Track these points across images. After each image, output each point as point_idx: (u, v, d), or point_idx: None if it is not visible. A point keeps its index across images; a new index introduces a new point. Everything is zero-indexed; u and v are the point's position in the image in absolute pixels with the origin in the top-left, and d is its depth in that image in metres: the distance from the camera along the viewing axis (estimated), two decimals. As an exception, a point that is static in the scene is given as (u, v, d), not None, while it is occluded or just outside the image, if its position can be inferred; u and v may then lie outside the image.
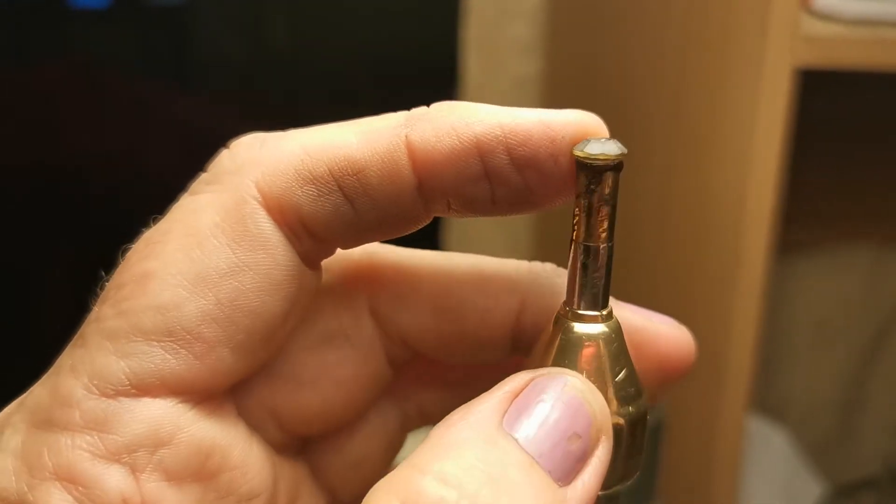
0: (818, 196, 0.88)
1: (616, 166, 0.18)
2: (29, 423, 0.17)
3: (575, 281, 0.19)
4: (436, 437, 0.17)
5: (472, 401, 0.18)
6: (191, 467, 0.18)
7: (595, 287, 0.19)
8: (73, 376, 0.17)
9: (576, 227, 0.19)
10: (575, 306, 0.19)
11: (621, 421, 0.19)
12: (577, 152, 0.18)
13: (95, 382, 0.17)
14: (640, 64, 0.68)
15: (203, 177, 0.19)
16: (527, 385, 0.18)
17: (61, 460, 0.17)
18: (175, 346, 0.17)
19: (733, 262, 0.58)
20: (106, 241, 0.71)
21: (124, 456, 0.17)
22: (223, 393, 0.19)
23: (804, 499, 0.84)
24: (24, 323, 0.74)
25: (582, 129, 0.19)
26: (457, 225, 0.85)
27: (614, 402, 0.19)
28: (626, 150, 0.18)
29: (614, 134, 0.68)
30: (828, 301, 0.96)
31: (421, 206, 0.19)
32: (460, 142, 0.18)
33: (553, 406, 0.17)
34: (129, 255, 0.18)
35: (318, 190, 0.18)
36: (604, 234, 0.19)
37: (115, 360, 0.17)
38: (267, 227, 0.18)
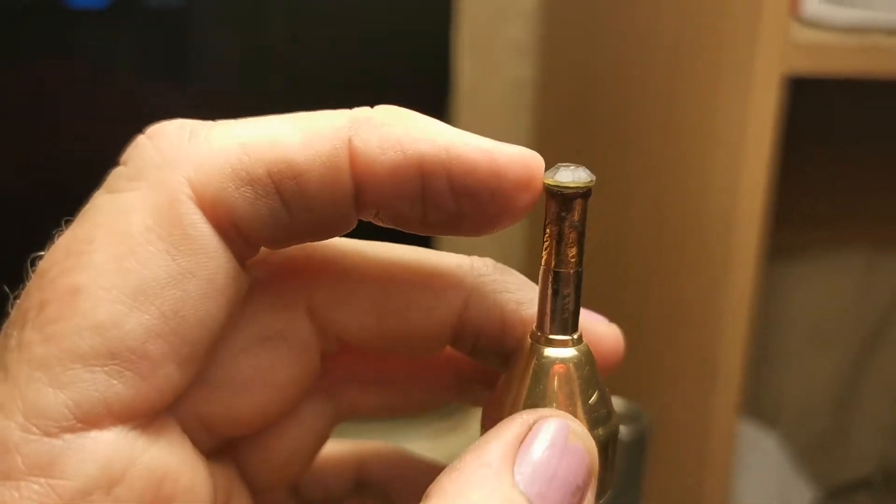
0: (811, 200, 0.88)
1: (585, 194, 0.19)
2: None
3: (546, 306, 0.19)
4: (452, 492, 0.17)
5: (479, 446, 0.17)
6: (147, 497, 0.16)
7: (565, 312, 0.19)
8: (4, 415, 0.15)
9: (546, 254, 0.19)
10: (546, 331, 0.19)
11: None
12: (548, 180, 0.18)
13: (34, 421, 0.15)
14: (632, 68, 0.68)
15: (121, 171, 0.17)
16: (531, 430, 0.17)
17: None
18: (119, 368, 0.16)
19: (724, 267, 0.58)
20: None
21: (78, 502, 0.15)
22: (166, 411, 0.18)
23: (796, 503, 0.84)
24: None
25: (528, 167, 0.18)
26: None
27: (585, 425, 0.19)
28: (594, 178, 0.19)
29: (607, 140, 0.69)
30: (821, 304, 0.96)
31: (352, 213, 0.18)
32: (405, 158, 0.17)
33: (560, 459, 0.17)
34: (43, 267, 0.16)
35: (255, 192, 0.17)
36: (574, 260, 0.19)
37: (53, 392, 0.15)
38: (205, 229, 0.16)
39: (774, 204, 0.58)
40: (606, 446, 0.19)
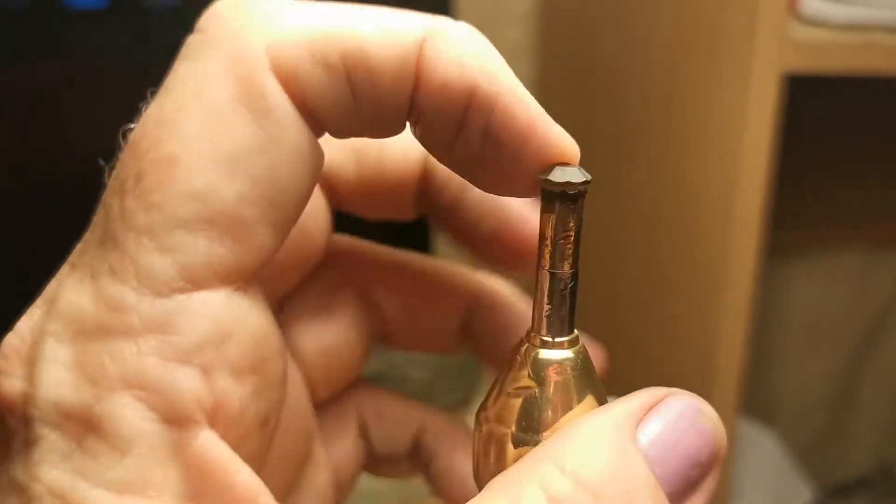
0: (807, 199, 0.89)
1: (581, 193, 0.18)
2: (76, 333, 0.16)
3: (542, 307, 0.19)
4: (573, 431, 0.17)
5: (610, 404, 0.18)
6: (248, 359, 0.17)
7: (561, 313, 0.19)
8: (118, 280, 0.16)
9: (541, 254, 0.19)
10: (542, 333, 0.19)
11: None
12: (544, 179, 0.18)
13: (146, 283, 0.16)
14: (630, 68, 0.68)
15: (198, 38, 0.18)
16: (662, 400, 0.18)
17: (128, 368, 0.16)
18: (218, 233, 0.16)
19: (722, 266, 0.58)
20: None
21: (193, 357, 0.16)
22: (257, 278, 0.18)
23: (794, 502, 0.85)
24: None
25: (561, 150, 0.18)
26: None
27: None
28: (590, 178, 0.18)
29: (605, 138, 0.69)
30: (818, 302, 0.96)
31: (404, 116, 0.18)
32: (460, 79, 0.17)
33: (686, 431, 0.17)
34: (136, 138, 0.17)
35: (327, 75, 0.17)
36: (569, 261, 0.19)
37: (160, 256, 0.16)
38: (284, 99, 0.17)
39: (772, 203, 0.58)
40: None
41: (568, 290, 0.19)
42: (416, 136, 0.19)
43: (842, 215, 0.94)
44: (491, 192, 0.19)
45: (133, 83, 0.76)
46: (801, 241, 0.92)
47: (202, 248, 0.16)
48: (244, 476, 0.16)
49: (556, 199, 0.18)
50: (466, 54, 0.17)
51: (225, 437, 0.17)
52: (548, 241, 0.19)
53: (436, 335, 0.25)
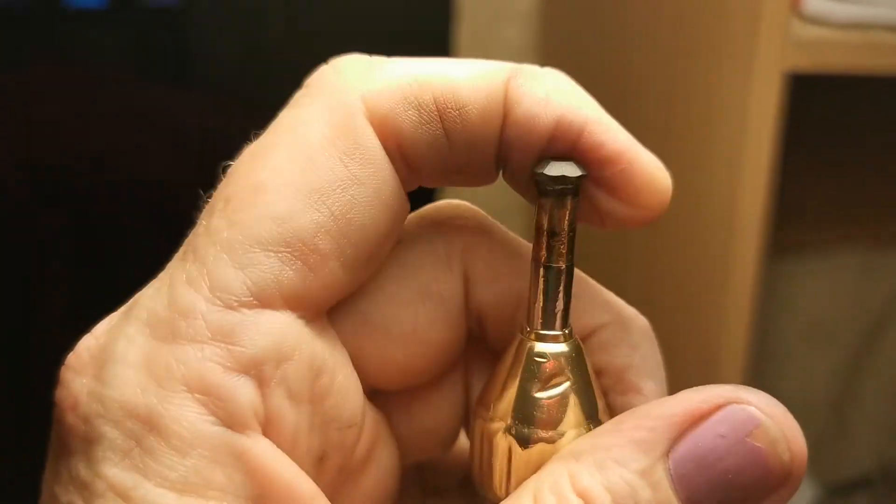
0: (809, 198, 0.89)
1: (576, 188, 0.18)
2: (148, 335, 0.17)
3: (536, 301, 0.19)
4: (602, 441, 0.17)
5: (653, 406, 0.17)
6: (306, 385, 0.18)
7: (556, 307, 0.19)
8: (192, 288, 0.17)
9: (536, 248, 0.19)
10: (537, 326, 0.19)
11: None
12: (538, 174, 0.18)
13: (217, 294, 0.17)
14: (632, 68, 0.68)
15: (303, 92, 0.19)
16: (709, 413, 0.17)
17: (192, 372, 0.16)
18: (291, 257, 0.17)
19: (725, 265, 0.58)
20: (104, 241, 0.71)
21: (251, 369, 0.17)
22: (328, 313, 0.19)
23: (796, 501, 0.85)
24: (21, 323, 0.74)
25: (653, 179, 0.19)
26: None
27: (575, 421, 0.19)
28: (585, 172, 0.18)
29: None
30: (819, 301, 0.96)
31: (495, 158, 0.19)
32: (545, 111, 0.18)
33: (729, 453, 0.17)
34: (233, 168, 0.18)
35: (420, 117, 0.18)
36: (564, 255, 0.19)
37: (234, 271, 0.17)
38: (374, 143, 0.18)
39: (774, 202, 0.58)
40: None
41: (563, 284, 0.19)
42: (506, 179, 0.19)
43: (843, 214, 0.94)
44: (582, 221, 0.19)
45: (133, 83, 0.76)
46: (803, 240, 0.92)
47: (274, 268, 0.17)
48: (306, 485, 0.17)
49: (552, 193, 0.18)
50: (551, 88, 0.18)
51: None
52: (543, 235, 0.19)
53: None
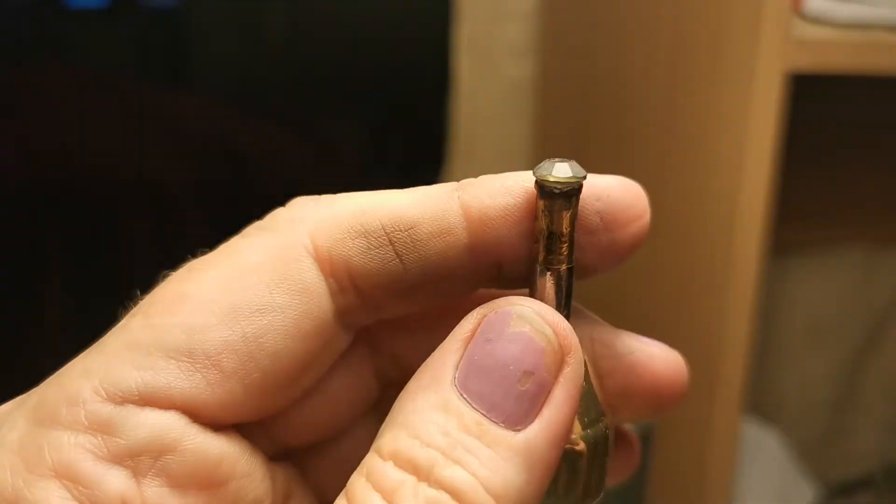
0: (810, 197, 0.88)
1: (577, 190, 0.18)
2: (29, 420, 0.17)
3: None
4: (397, 409, 0.17)
5: (431, 356, 0.18)
6: (198, 475, 0.18)
7: (556, 309, 0.19)
8: (84, 378, 0.17)
9: (536, 250, 0.19)
10: None
11: (581, 444, 0.19)
12: (538, 176, 0.18)
13: (105, 386, 0.17)
14: (633, 67, 0.68)
15: (257, 223, 0.20)
16: (477, 327, 0.18)
17: (62, 458, 0.17)
18: (192, 367, 0.17)
19: (727, 264, 0.58)
20: (103, 241, 0.71)
21: (127, 460, 0.17)
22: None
23: (798, 502, 0.84)
24: (20, 323, 0.74)
25: (630, 190, 0.20)
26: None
27: (575, 426, 0.19)
28: (586, 174, 0.19)
29: (609, 137, 0.69)
30: (821, 301, 0.96)
31: (469, 270, 0.19)
32: (513, 198, 0.18)
33: (498, 348, 0.17)
34: (169, 278, 0.19)
35: (368, 242, 0.18)
36: (564, 257, 0.19)
37: (130, 368, 0.17)
38: (311, 275, 0.18)
39: (775, 201, 0.58)
40: (595, 447, 0.19)
41: (564, 287, 0.19)
42: (508, 283, 0.20)
43: (844, 214, 0.94)
44: (606, 267, 0.20)
45: (133, 83, 0.75)
46: (804, 239, 0.92)
47: (170, 375, 0.17)
48: None
49: (552, 195, 0.18)
50: (499, 180, 0.19)
51: None
52: (543, 238, 0.19)
53: None
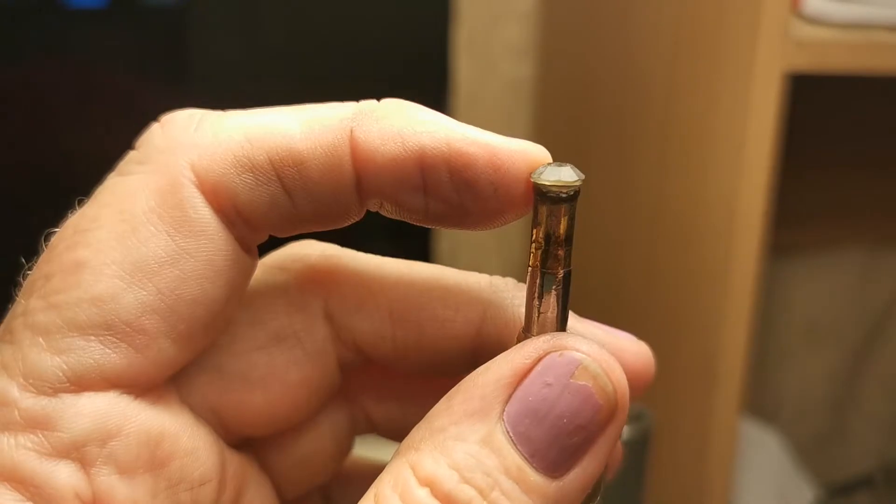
0: (808, 198, 0.88)
1: (575, 194, 0.18)
2: None
3: (533, 308, 0.19)
4: (438, 421, 0.17)
5: (478, 374, 0.17)
6: (141, 457, 0.17)
7: (554, 314, 0.19)
8: (7, 375, 0.16)
9: (533, 254, 0.19)
10: (534, 333, 0.19)
11: None
12: (536, 179, 0.18)
13: (31, 381, 0.16)
14: (632, 68, 0.68)
15: (132, 155, 0.18)
16: (534, 366, 0.17)
17: (5, 461, 0.16)
18: (114, 339, 0.17)
19: (725, 265, 0.58)
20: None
21: (73, 452, 0.17)
22: (165, 382, 0.18)
23: (797, 502, 0.84)
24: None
25: (530, 161, 0.18)
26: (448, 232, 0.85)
27: None
28: (583, 176, 0.18)
29: (607, 137, 0.69)
30: (819, 302, 0.96)
31: (356, 203, 0.18)
32: (404, 150, 0.17)
33: (558, 398, 0.17)
34: (53, 242, 0.17)
35: (256, 179, 0.17)
36: (562, 261, 0.18)
37: (50, 356, 0.16)
38: (205, 212, 0.17)
39: (774, 202, 0.58)
40: None
41: (560, 291, 0.19)
42: (390, 215, 0.19)
43: (842, 214, 0.94)
44: (486, 228, 0.19)
45: (133, 83, 0.75)
46: (802, 239, 0.92)
47: (95, 353, 0.17)
48: None
49: (548, 198, 0.18)
50: (399, 123, 0.18)
51: None
52: (540, 241, 0.18)
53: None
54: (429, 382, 0.23)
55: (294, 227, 0.19)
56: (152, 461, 0.18)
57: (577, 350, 0.17)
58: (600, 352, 0.17)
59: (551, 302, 0.19)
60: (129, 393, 0.17)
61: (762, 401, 0.96)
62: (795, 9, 0.56)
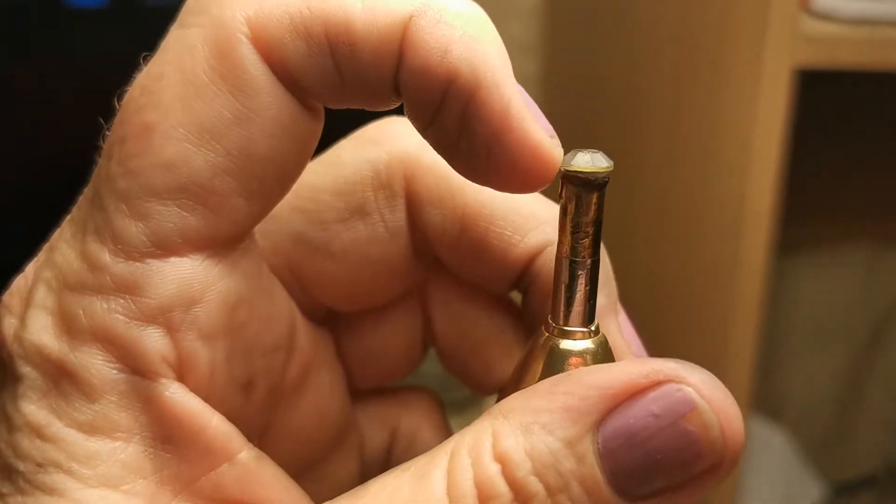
0: (816, 194, 0.88)
1: (604, 180, 0.18)
2: (62, 284, 0.17)
3: (560, 296, 0.19)
4: (534, 403, 0.17)
5: (590, 372, 0.17)
6: (221, 323, 0.18)
7: (582, 302, 0.19)
8: (99, 240, 0.17)
9: (561, 243, 0.18)
10: (561, 322, 0.19)
11: None
12: (567, 167, 0.18)
13: (120, 247, 0.17)
14: (639, 64, 0.68)
15: (189, 4, 0.18)
16: (646, 389, 0.16)
17: (98, 323, 0.17)
18: (190, 202, 0.17)
19: (733, 262, 0.58)
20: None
21: (159, 317, 0.17)
22: (244, 244, 0.19)
23: (803, 500, 0.84)
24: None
25: (535, 152, 0.18)
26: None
27: None
28: (612, 164, 0.18)
29: (615, 133, 0.69)
30: (825, 299, 0.96)
31: (392, 93, 0.18)
32: (440, 66, 0.17)
33: (661, 432, 0.16)
34: (125, 102, 0.18)
35: (308, 48, 0.17)
36: (589, 249, 0.18)
37: (133, 222, 0.17)
38: (263, 70, 0.17)
39: (782, 198, 0.57)
40: None
41: (589, 280, 0.18)
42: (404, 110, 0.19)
43: (851, 211, 0.93)
44: (468, 178, 0.19)
45: (132, 82, 0.75)
46: (808, 237, 0.92)
47: (173, 217, 0.17)
48: (216, 422, 0.18)
49: (577, 186, 0.18)
50: (453, 38, 0.17)
51: (196, 393, 0.18)
52: (568, 229, 0.18)
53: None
54: (491, 305, 0.23)
55: (338, 102, 0.18)
56: (230, 326, 0.18)
57: (699, 391, 0.16)
58: (724, 400, 0.16)
59: (579, 291, 0.18)
60: (210, 257, 0.18)
61: (768, 399, 0.96)
62: (804, 4, 0.56)
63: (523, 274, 0.22)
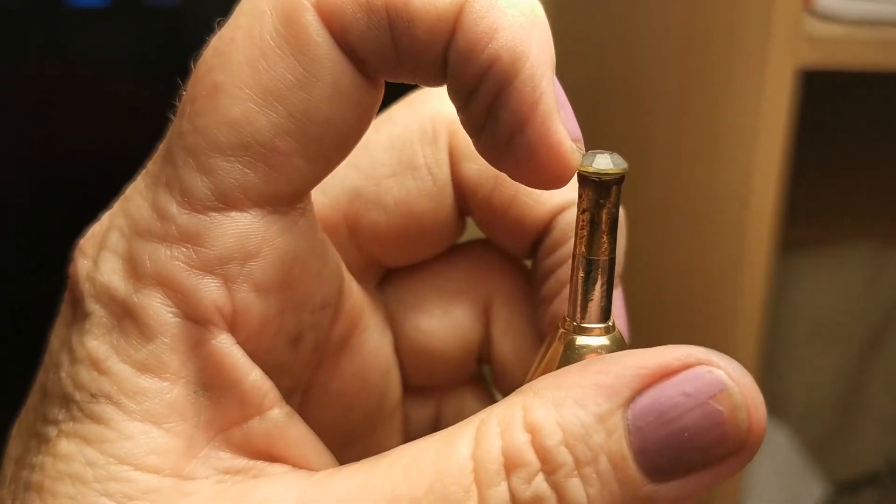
0: (819, 194, 0.88)
1: (620, 180, 0.19)
2: (133, 231, 0.18)
3: (577, 294, 0.19)
4: (567, 381, 0.17)
5: (624, 355, 0.17)
6: (275, 278, 0.19)
7: (598, 299, 0.19)
8: (168, 192, 0.18)
9: (578, 241, 0.19)
10: (577, 319, 0.19)
11: None
12: (584, 168, 0.18)
13: (186, 199, 0.18)
14: (643, 65, 0.68)
15: None
16: (678, 370, 0.17)
17: (160, 269, 0.18)
18: (252, 160, 0.18)
19: (736, 261, 0.58)
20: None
21: (217, 268, 0.18)
22: (302, 204, 0.19)
23: (806, 498, 0.84)
24: (20, 325, 0.73)
25: (553, 152, 0.18)
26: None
27: None
28: (626, 165, 0.19)
29: (619, 133, 0.69)
30: (828, 298, 0.96)
31: (441, 70, 0.18)
32: (485, 49, 0.17)
33: (690, 411, 0.17)
34: (199, 63, 0.19)
35: (368, 21, 0.18)
36: (606, 248, 0.19)
37: (199, 176, 0.18)
38: (325, 37, 0.18)
39: (785, 198, 0.57)
40: None
41: (605, 277, 0.19)
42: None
43: (853, 211, 0.93)
44: (487, 162, 0.19)
45: (133, 82, 0.75)
46: (811, 236, 0.92)
47: (236, 173, 0.18)
48: (254, 376, 0.18)
49: (598, 185, 0.18)
50: (503, 25, 0.17)
51: (245, 344, 0.19)
52: (585, 227, 0.19)
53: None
54: (550, 332, 0.24)
55: (392, 75, 0.19)
56: (283, 282, 0.19)
57: (730, 375, 0.17)
58: (752, 387, 0.17)
59: (596, 289, 0.19)
60: (268, 214, 0.18)
61: (770, 398, 0.95)
62: (808, 5, 0.56)
63: (543, 232, 0.23)
